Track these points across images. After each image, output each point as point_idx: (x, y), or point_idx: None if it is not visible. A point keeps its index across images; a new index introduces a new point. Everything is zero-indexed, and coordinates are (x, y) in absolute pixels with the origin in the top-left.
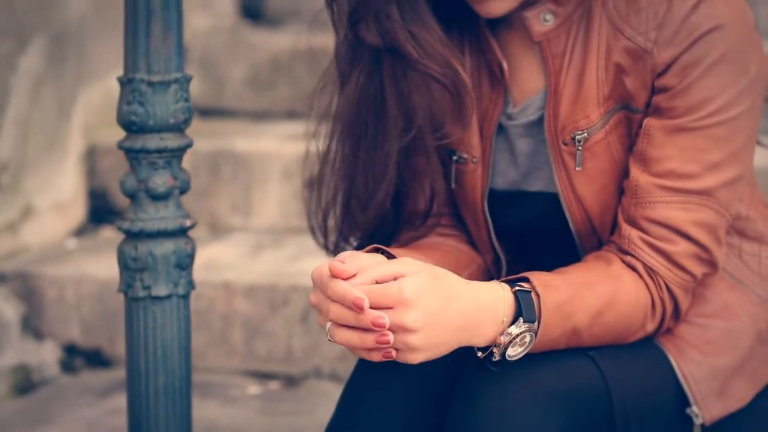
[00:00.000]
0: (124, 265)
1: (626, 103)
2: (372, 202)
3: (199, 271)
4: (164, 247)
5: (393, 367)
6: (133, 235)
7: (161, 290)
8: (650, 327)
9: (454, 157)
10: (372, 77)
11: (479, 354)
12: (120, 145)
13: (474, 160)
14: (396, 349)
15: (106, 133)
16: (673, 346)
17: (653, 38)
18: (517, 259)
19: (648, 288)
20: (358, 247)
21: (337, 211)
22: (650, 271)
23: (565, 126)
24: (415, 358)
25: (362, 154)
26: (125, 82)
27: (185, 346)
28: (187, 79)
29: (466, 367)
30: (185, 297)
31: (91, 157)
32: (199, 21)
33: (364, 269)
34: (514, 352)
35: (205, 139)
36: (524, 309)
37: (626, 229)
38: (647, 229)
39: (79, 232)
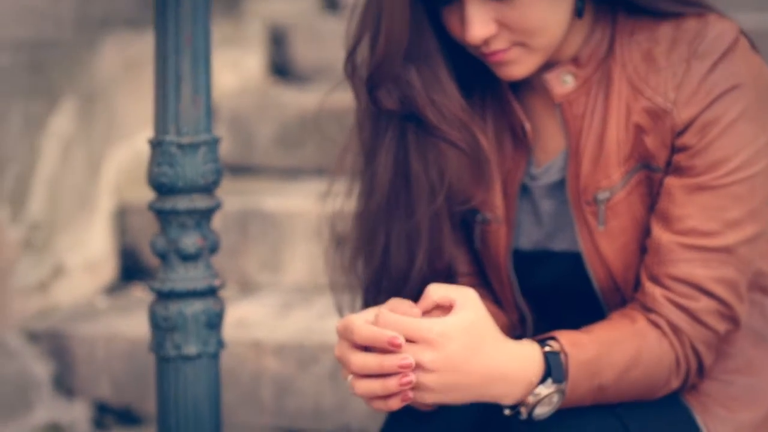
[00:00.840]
0: (155, 324)
1: (647, 162)
2: (412, 273)
3: (229, 330)
4: (194, 307)
5: (420, 421)
6: (163, 295)
7: (191, 349)
8: (675, 383)
9: (478, 217)
10: (398, 150)
11: (507, 412)
12: (151, 206)
13: (498, 220)
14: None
15: (136, 193)
16: (698, 403)
17: (672, 98)
18: (542, 317)
19: (672, 345)
20: None
21: (365, 281)
22: (674, 328)
23: (587, 186)
24: (427, 398)
25: (396, 226)
26: (155, 144)
27: (215, 405)
28: (216, 141)
29: (493, 423)
30: (215, 356)
31: (122, 216)
32: (228, 80)
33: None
34: (541, 411)
35: (234, 197)
36: (553, 369)
37: (649, 287)
38: (670, 286)
39: (110, 290)
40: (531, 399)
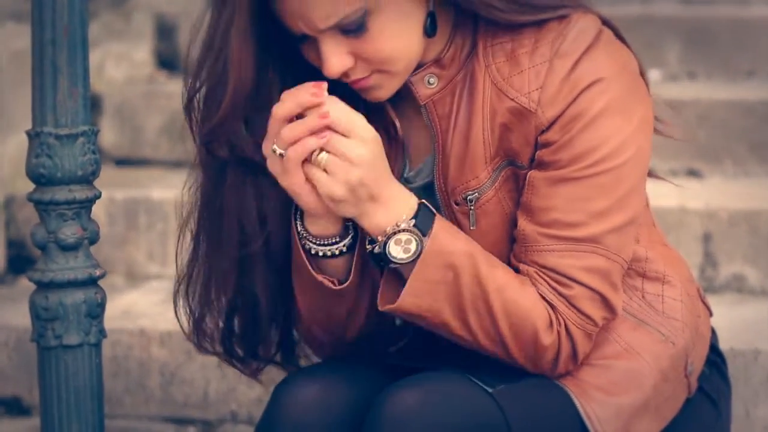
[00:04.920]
0: (35, 315)
1: (512, 159)
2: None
3: (116, 319)
4: (74, 297)
5: (303, 409)
6: (44, 286)
7: (72, 339)
8: (546, 340)
9: None
10: (232, 191)
11: (367, 246)
12: (30, 198)
13: None
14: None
15: (22, 185)
16: (576, 387)
17: (536, 99)
18: None
19: (547, 309)
20: None
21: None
22: (551, 304)
23: (455, 187)
24: (332, 190)
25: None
26: (33, 136)
27: (98, 394)
28: (95, 132)
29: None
30: (97, 345)
31: (9, 207)
32: (115, 72)
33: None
34: (396, 253)
35: (121, 188)
36: (421, 216)
37: (524, 268)
38: (540, 273)
39: None
40: (389, 229)
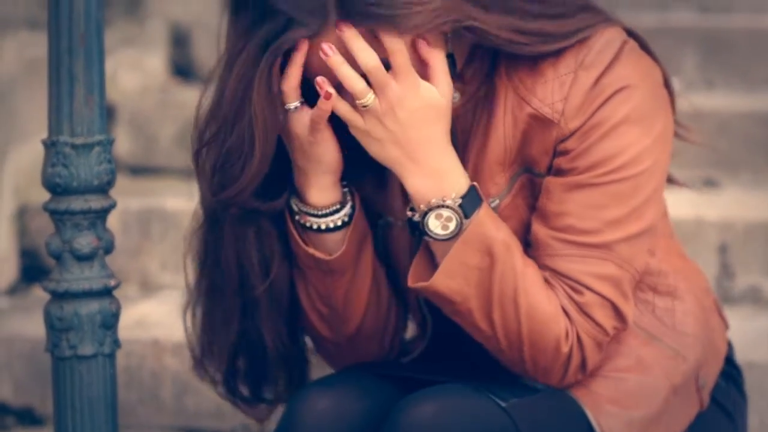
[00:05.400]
0: (50, 325)
1: (529, 167)
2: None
3: (129, 329)
4: (89, 307)
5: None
6: (58, 296)
7: (87, 349)
8: (564, 348)
9: (380, 222)
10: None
11: (408, 212)
12: (45, 207)
13: (400, 223)
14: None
15: (36, 194)
16: (588, 399)
17: (560, 110)
18: (442, 320)
19: (564, 318)
20: None
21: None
22: (565, 310)
23: None
24: (363, 124)
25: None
26: (49, 145)
27: (111, 405)
28: (110, 141)
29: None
30: (111, 356)
31: (23, 217)
32: (130, 80)
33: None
34: (434, 227)
35: (135, 197)
36: (469, 197)
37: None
38: (554, 278)
39: (12, 291)
40: (433, 201)
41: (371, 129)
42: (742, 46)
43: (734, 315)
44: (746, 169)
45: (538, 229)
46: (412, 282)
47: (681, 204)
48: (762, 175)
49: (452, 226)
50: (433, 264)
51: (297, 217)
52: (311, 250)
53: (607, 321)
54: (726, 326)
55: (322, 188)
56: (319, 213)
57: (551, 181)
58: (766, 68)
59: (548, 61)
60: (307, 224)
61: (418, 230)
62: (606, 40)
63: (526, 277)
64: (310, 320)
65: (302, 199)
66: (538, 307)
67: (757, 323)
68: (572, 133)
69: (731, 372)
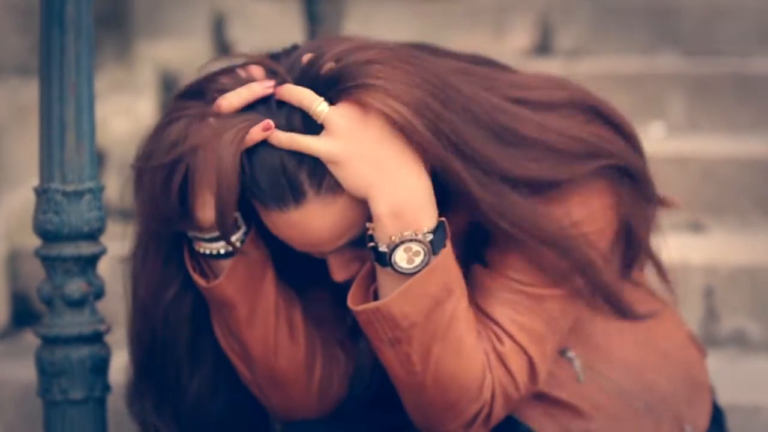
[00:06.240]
0: (41, 369)
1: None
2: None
3: (118, 374)
4: (80, 352)
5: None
6: (49, 340)
7: (78, 394)
8: (486, 394)
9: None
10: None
11: (370, 244)
12: (37, 253)
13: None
14: None
15: (26, 239)
16: None
17: None
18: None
19: (485, 370)
20: None
21: None
22: (486, 357)
23: None
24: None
25: None
26: (41, 192)
27: None
28: (101, 188)
29: None
30: (101, 401)
31: (13, 261)
32: (120, 125)
33: None
34: (400, 260)
35: (125, 242)
36: (439, 232)
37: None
38: (483, 320)
39: (2, 335)
40: (407, 234)
41: (332, 149)
42: (728, 90)
43: (719, 358)
44: (732, 212)
45: (478, 268)
46: (354, 303)
47: (666, 247)
48: (748, 219)
49: (418, 260)
50: (368, 290)
51: (193, 245)
52: (195, 276)
53: (522, 376)
54: (704, 354)
55: (205, 207)
56: (207, 237)
57: (498, 234)
58: (752, 112)
59: None
60: (200, 250)
61: (379, 260)
62: None
63: (469, 317)
64: (233, 362)
65: (193, 220)
66: (473, 347)
67: (742, 366)
68: None
69: (715, 415)
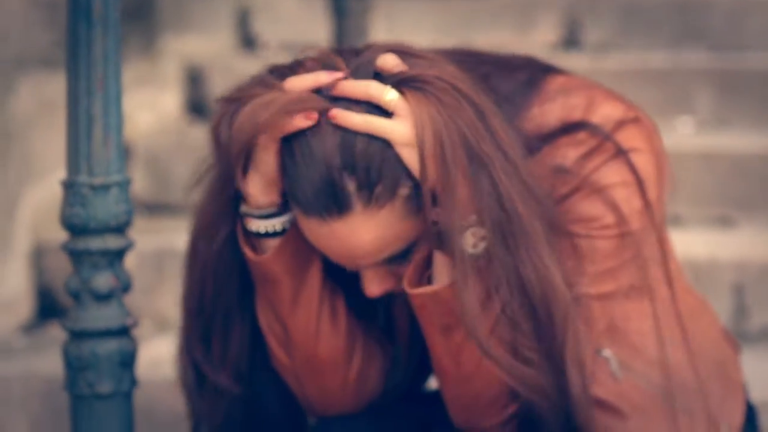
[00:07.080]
0: (68, 363)
1: None
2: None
3: (144, 368)
4: (107, 346)
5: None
6: (76, 334)
7: (105, 388)
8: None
9: None
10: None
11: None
12: (64, 247)
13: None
14: None
15: (52, 232)
16: None
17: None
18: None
19: None
20: None
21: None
22: None
23: None
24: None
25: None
26: (68, 185)
27: None
28: (128, 182)
29: None
30: (128, 395)
31: (38, 255)
32: (145, 119)
33: None
34: (467, 243)
35: (150, 236)
36: None
37: None
38: None
39: (27, 329)
40: (473, 219)
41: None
42: (756, 85)
43: (750, 355)
44: (762, 208)
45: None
46: (410, 287)
47: (696, 243)
48: None
49: (482, 245)
50: (424, 274)
51: (244, 221)
52: (244, 247)
53: None
54: (738, 349)
55: (257, 185)
56: (256, 214)
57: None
58: None
59: None
60: (251, 228)
61: (443, 244)
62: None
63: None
64: (271, 347)
65: (244, 198)
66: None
67: None
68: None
69: (748, 412)
